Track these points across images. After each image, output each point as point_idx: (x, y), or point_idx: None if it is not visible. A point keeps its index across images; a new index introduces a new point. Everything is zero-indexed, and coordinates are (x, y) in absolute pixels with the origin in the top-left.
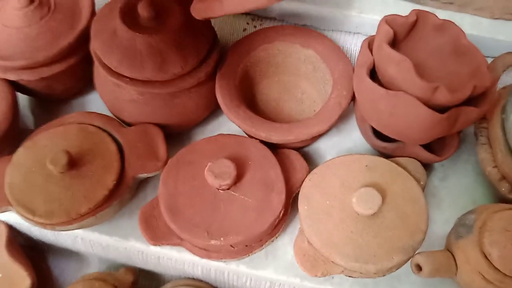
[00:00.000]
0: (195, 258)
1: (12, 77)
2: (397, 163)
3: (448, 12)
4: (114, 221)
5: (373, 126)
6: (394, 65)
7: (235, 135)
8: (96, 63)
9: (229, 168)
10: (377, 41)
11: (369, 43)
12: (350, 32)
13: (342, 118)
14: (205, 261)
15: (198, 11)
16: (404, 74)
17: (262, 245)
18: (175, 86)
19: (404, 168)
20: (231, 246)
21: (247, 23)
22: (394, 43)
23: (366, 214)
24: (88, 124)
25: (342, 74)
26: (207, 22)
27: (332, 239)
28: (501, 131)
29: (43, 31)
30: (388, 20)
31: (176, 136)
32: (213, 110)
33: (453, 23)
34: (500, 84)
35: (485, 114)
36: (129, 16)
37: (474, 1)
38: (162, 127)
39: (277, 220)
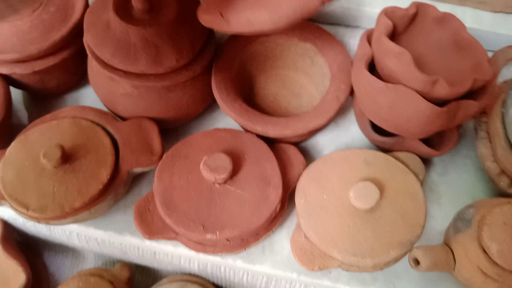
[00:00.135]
0: (191, 253)
1: (4, 70)
2: (396, 158)
3: (449, 6)
4: (109, 216)
5: (372, 120)
6: (393, 58)
7: (231, 129)
8: (90, 56)
9: (225, 162)
10: (376, 34)
11: (368, 36)
12: (349, 25)
13: (340, 112)
14: (201, 256)
15: (205, 21)
16: (403, 67)
17: (259, 239)
18: (170, 80)
19: (403, 162)
20: (227, 240)
21: None
22: (394, 36)
23: (363, 208)
24: (82, 118)
25: (341, 68)
26: None
27: (329, 233)
28: (501, 125)
29: (35, 24)
30: (388, 12)
31: (171, 131)
32: (209, 105)
33: (454, 16)
34: (500, 78)
35: (485, 108)
36: (122, 9)
37: None
38: (157, 121)
39: (273, 215)
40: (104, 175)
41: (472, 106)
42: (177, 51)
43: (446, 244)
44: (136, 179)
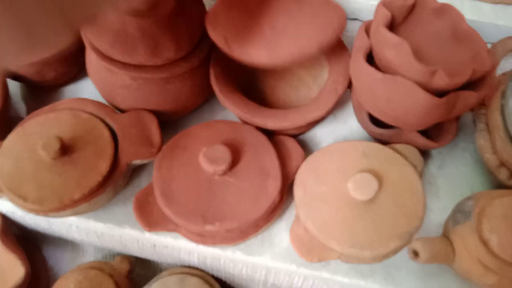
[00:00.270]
0: (191, 246)
1: None
2: (394, 150)
3: None
4: (108, 208)
5: (370, 112)
6: (391, 48)
7: (230, 121)
8: (88, 47)
9: (224, 154)
10: (375, 24)
11: (367, 27)
12: (347, 18)
13: (339, 105)
14: (201, 249)
15: (210, 36)
16: (401, 58)
17: (258, 231)
18: (168, 71)
19: (401, 154)
20: (226, 231)
21: None
22: (392, 27)
23: (362, 199)
24: (81, 110)
25: (339, 60)
26: (201, 6)
27: (328, 224)
28: (500, 117)
29: None
30: (386, 3)
31: (170, 123)
32: (208, 98)
33: (453, 7)
34: (499, 70)
35: (484, 100)
36: None
37: None
38: (156, 113)
39: (272, 206)
40: (103, 167)
41: (471, 97)
42: (175, 43)
43: (446, 236)
44: (135, 171)
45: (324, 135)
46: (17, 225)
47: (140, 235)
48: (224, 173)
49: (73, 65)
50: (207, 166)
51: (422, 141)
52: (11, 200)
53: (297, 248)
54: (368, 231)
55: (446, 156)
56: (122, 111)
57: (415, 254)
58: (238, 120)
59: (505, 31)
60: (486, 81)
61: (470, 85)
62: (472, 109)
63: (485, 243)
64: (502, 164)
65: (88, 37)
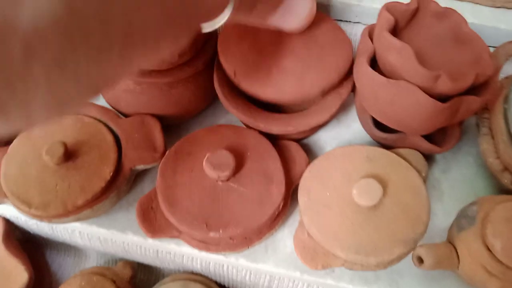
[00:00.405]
0: (194, 252)
1: None
2: (398, 154)
3: (449, 1)
4: (111, 214)
5: (374, 116)
6: (395, 53)
7: (234, 125)
8: None
9: (228, 159)
10: (378, 29)
11: (370, 32)
12: (350, 21)
13: (342, 109)
14: (204, 255)
15: (222, 62)
16: (405, 62)
17: (262, 238)
18: (172, 76)
19: (405, 159)
20: (230, 238)
21: None
22: (395, 31)
23: (366, 205)
24: (84, 115)
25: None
26: None
27: (333, 231)
28: (503, 122)
29: None
30: (389, 8)
31: (173, 127)
32: (211, 102)
33: (455, 10)
34: (502, 74)
35: (487, 104)
36: None
37: None
38: (160, 118)
39: (276, 212)
40: (107, 172)
41: (474, 102)
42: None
43: (450, 242)
44: (138, 176)
45: (328, 139)
46: (20, 230)
47: (142, 241)
48: (228, 179)
49: None
50: (210, 172)
51: (426, 145)
52: (15, 206)
53: (301, 255)
54: (372, 237)
55: (450, 160)
56: (126, 115)
57: (420, 260)
58: (241, 124)
59: (506, 34)
60: (489, 86)
61: (473, 89)
62: (475, 113)
63: (489, 248)
64: (506, 168)
65: None
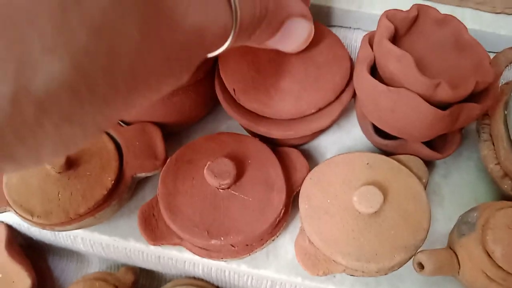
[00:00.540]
0: (196, 258)
1: None
2: (399, 161)
3: (449, 7)
4: (113, 221)
5: (374, 123)
6: (395, 61)
7: (234, 133)
8: None
9: (229, 167)
10: (378, 37)
11: (370, 39)
12: (349, 27)
13: (343, 114)
14: (206, 261)
15: (224, 80)
16: (405, 70)
17: (263, 244)
18: None
19: (406, 165)
20: (231, 245)
21: None
22: (395, 39)
23: (367, 212)
24: None
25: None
26: None
27: (333, 238)
28: (503, 128)
29: None
30: (389, 15)
31: (174, 135)
32: (212, 108)
33: (455, 17)
34: (502, 80)
35: (487, 111)
36: None
37: None
38: (161, 126)
39: (277, 219)
40: (109, 180)
41: (474, 109)
42: None
43: (450, 247)
44: (139, 184)
45: (328, 144)
46: (23, 236)
47: (145, 247)
48: (229, 186)
49: None
50: (211, 180)
51: (427, 152)
52: (18, 215)
53: (302, 262)
54: (373, 244)
55: (450, 165)
56: (127, 123)
57: (420, 266)
58: (242, 131)
59: (506, 40)
60: (490, 93)
61: (474, 96)
62: (476, 119)
63: (489, 254)
64: (506, 174)
65: None
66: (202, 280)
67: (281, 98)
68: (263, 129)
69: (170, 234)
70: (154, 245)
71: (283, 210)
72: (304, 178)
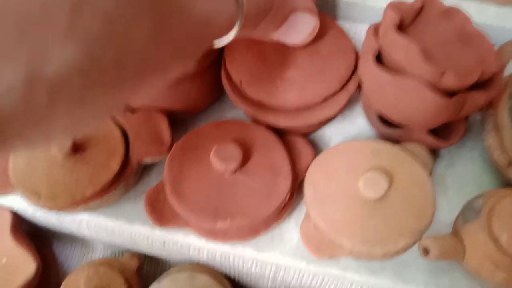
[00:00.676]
0: (201, 243)
1: None
2: (404, 149)
3: (454, 0)
4: (119, 206)
5: (380, 112)
6: (400, 50)
7: (240, 120)
8: None
9: (235, 152)
10: (383, 27)
11: (375, 30)
12: (355, 20)
13: (348, 105)
14: (211, 246)
15: (231, 71)
16: (410, 59)
17: (268, 228)
18: None
19: (411, 153)
20: (237, 228)
21: None
22: (400, 30)
23: (372, 198)
24: None
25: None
26: None
27: (339, 222)
28: (508, 118)
29: None
30: (394, 6)
31: (180, 123)
32: (218, 97)
33: (459, 9)
34: (507, 72)
35: (492, 101)
36: None
37: None
38: (167, 113)
39: (283, 204)
40: (115, 164)
41: (479, 97)
42: None
43: (455, 234)
44: (145, 171)
45: (333, 134)
46: (27, 223)
47: (150, 232)
48: (235, 171)
49: None
50: (218, 164)
51: (431, 140)
52: (24, 197)
53: (307, 245)
54: (378, 229)
55: (454, 155)
56: (133, 110)
57: (426, 251)
58: (248, 121)
59: (511, 33)
60: (494, 83)
61: (478, 86)
62: (480, 109)
63: (494, 240)
64: (511, 163)
65: None
66: (206, 265)
67: (287, 88)
68: (269, 119)
69: (176, 217)
70: (160, 226)
71: (288, 195)
72: (310, 165)
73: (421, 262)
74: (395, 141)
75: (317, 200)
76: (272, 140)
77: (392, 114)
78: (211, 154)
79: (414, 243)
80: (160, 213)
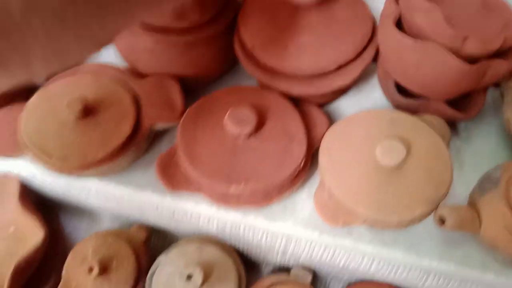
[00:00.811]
0: (211, 212)
1: None
2: (421, 120)
3: None
4: (129, 172)
5: (398, 80)
6: (422, 14)
7: (254, 86)
8: None
9: (250, 116)
10: None
11: None
12: None
13: (363, 77)
14: (221, 215)
15: (243, 36)
16: (432, 23)
17: (282, 195)
18: (192, 35)
19: (428, 124)
20: (250, 193)
21: None
22: None
23: (389, 165)
24: (103, 74)
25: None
26: None
27: (354, 189)
28: None
29: None
30: None
31: (192, 91)
32: (231, 67)
33: None
34: None
35: None
36: None
37: None
38: (179, 79)
39: (297, 170)
40: (127, 128)
41: (501, 66)
42: (201, 5)
43: (472, 206)
44: (156, 139)
45: (348, 107)
46: (35, 194)
47: (159, 200)
48: (250, 135)
49: None
50: (232, 128)
51: (450, 111)
52: (35, 157)
53: (321, 213)
54: (395, 197)
55: (471, 130)
56: (145, 75)
57: (441, 221)
58: None
59: None
60: None
61: (500, 55)
62: (499, 84)
63: None
64: None
65: None
66: (215, 237)
67: (300, 54)
68: (282, 86)
69: (189, 181)
70: (172, 190)
71: (303, 162)
72: (324, 134)
73: (435, 235)
74: (412, 113)
75: (332, 167)
76: (286, 106)
77: (411, 83)
78: (226, 117)
79: (430, 212)
80: (172, 178)
